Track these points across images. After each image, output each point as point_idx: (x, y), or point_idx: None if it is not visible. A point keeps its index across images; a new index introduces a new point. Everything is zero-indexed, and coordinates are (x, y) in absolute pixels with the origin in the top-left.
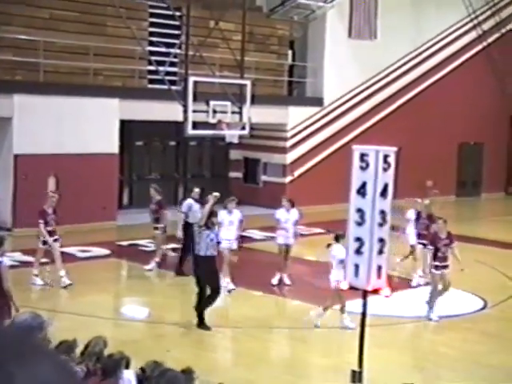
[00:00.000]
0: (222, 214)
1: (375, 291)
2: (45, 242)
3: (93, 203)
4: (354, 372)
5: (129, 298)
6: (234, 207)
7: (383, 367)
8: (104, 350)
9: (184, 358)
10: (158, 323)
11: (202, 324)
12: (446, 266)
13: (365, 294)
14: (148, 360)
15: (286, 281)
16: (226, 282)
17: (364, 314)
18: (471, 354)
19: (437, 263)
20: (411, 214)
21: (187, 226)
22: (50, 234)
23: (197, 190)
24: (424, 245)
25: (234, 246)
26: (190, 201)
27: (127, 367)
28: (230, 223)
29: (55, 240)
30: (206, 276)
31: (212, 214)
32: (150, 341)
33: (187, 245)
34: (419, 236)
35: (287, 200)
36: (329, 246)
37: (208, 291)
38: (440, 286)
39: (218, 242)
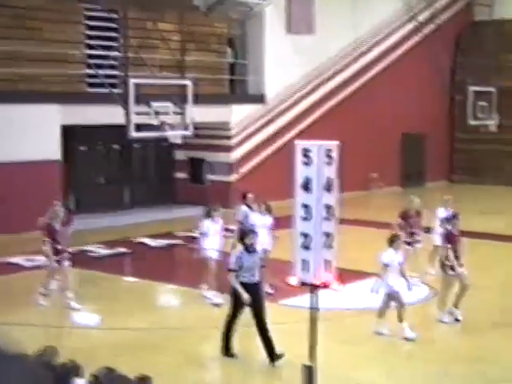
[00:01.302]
0: (207, 224)
1: (324, 285)
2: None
3: (37, 211)
4: (305, 366)
5: (79, 306)
6: (219, 216)
7: (336, 360)
8: (55, 359)
9: (137, 364)
10: (109, 329)
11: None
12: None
13: (314, 288)
14: (100, 367)
15: (268, 290)
16: (211, 294)
17: (314, 308)
18: (421, 341)
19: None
20: (441, 213)
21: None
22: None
23: (250, 195)
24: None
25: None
26: (245, 208)
27: (79, 376)
28: (215, 232)
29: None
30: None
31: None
32: (102, 348)
33: None
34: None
35: (264, 204)
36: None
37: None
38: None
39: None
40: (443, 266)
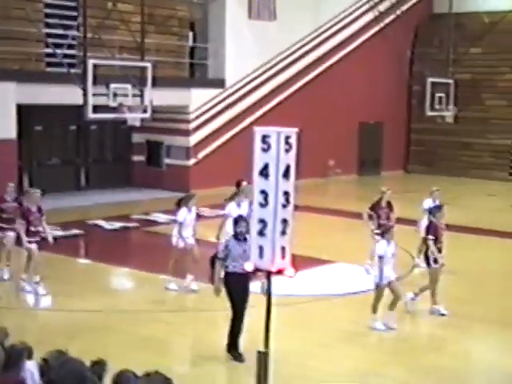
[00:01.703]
0: (183, 212)
1: (279, 272)
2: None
3: None
4: (259, 353)
5: (31, 286)
6: (194, 205)
7: (290, 347)
8: (5, 341)
9: (90, 347)
10: (61, 311)
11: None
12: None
13: (269, 274)
14: (51, 350)
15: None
16: (189, 279)
17: (269, 295)
18: (366, 327)
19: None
20: (427, 204)
21: None
22: (34, 234)
23: (245, 183)
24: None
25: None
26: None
27: (30, 358)
28: (190, 221)
29: (36, 242)
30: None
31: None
32: (54, 330)
33: None
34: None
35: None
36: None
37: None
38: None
39: None
40: (427, 258)
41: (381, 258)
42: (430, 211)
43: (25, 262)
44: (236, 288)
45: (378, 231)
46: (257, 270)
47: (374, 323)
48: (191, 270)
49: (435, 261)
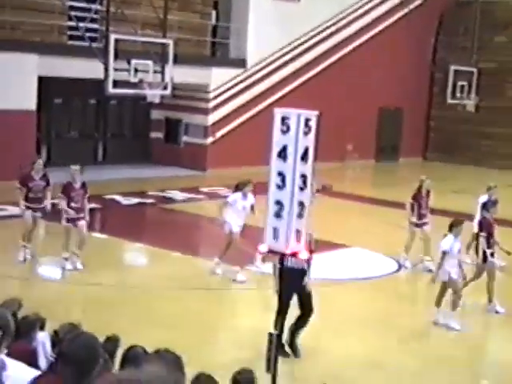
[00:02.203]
0: (236, 197)
1: (293, 254)
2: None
3: (9, 160)
4: (270, 334)
5: (45, 258)
6: (249, 191)
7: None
8: (18, 312)
9: (102, 321)
10: (76, 285)
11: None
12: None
13: (282, 257)
14: (64, 322)
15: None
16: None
17: (282, 276)
18: (384, 314)
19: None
20: (482, 200)
21: None
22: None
23: None
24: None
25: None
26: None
27: (42, 329)
28: (243, 208)
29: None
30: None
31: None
32: (67, 303)
33: None
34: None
35: (251, 185)
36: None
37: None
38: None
39: None
40: (478, 253)
41: (445, 253)
42: (484, 206)
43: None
44: (287, 284)
45: (418, 222)
46: (270, 251)
47: (437, 317)
48: (221, 255)
49: (492, 255)
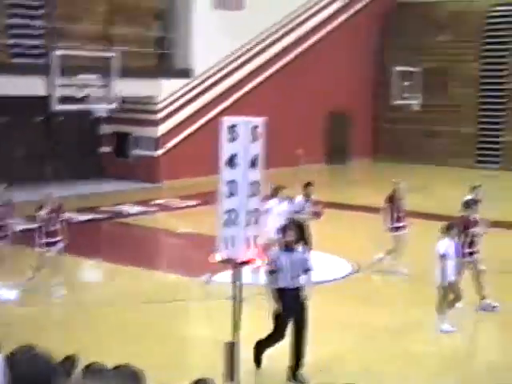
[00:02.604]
0: (272, 203)
1: (247, 262)
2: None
3: None
4: (227, 344)
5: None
6: (283, 197)
7: (258, 336)
8: None
9: (61, 340)
10: (31, 305)
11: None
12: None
13: (237, 264)
14: (20, 344)
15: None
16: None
17: (238, 284)
18: (336, 316)
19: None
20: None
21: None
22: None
23: (312, 187)
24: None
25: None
26: (301, 198)
27: None
28: (280, 214)
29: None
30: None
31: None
32: (23, 324)
33: None
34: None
35: (281, 189)
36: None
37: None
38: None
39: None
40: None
41: (443, 256)
42: (467, 203)
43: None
44: (286, 305)
45: (396, 225)
46: (226, 260)
47: (441, 325)
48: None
49: (471, 254)
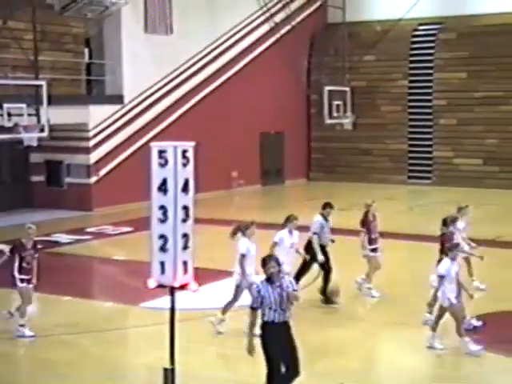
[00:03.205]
0: (283, 235)
1: (182, 287)
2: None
3: None
4: (165, 370)
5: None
6: (294, 227)
7: (199, 361)
8: None
9: None
10: None
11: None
12: None
13: (172, 290)
14: None
15: None
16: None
17: (173, 310)
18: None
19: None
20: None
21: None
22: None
23: (330, 208)
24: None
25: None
26: (321, 219)
27: None
28: (291, 246)
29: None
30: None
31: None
32: None
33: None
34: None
35: (295, 220)
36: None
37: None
38: None
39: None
40: None
41: (442, 277)
42: (444, 221)
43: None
44: (272, 340)
45: (373, 246)
46: (159, 285)
47: (433, 342)
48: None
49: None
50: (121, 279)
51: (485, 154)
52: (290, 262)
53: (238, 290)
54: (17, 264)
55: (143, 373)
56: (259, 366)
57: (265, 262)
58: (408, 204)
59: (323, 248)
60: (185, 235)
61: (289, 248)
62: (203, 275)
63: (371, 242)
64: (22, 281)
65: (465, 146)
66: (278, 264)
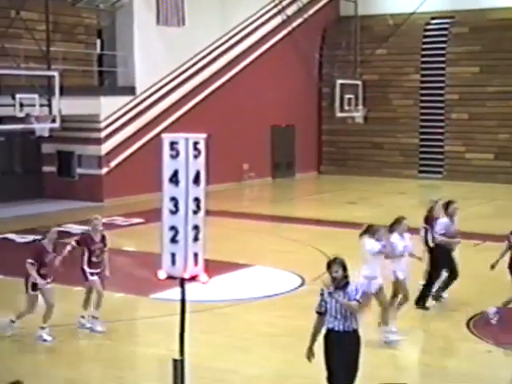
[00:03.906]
0: (394, 239)
1: (193, 278)
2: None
3: None
4: (175, 361)
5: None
6: (405, 230)
7: (209, 352)
8: None
9: (3, 368)
10: None
11: None
12: None
13: (182, 281)
14: None
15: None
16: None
17: (183, 302)
18: (293, 329)
19: None
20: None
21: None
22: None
23: (455, 206)
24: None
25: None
26: (446, 219)
27: None
28: (404, 249)
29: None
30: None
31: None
32: None
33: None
34: None
35: (405, 220)
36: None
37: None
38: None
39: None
40: None
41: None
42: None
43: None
44: (331, 348)
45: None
46: (169, 277)
47: (389, 336)
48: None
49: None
50: (131, 270)
51: (496, 148)
52: (404, 269)
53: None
54: (86, 257)
55: (153, 363)
56: (269, 358)
57: (329, 266)
58: (418, 198)
59: (448, 252)
60: (196, 227)
61: (402, 252)
62: (213, 267)
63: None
64: (92, 274)
65: (476, 141)
66: (345, 269)
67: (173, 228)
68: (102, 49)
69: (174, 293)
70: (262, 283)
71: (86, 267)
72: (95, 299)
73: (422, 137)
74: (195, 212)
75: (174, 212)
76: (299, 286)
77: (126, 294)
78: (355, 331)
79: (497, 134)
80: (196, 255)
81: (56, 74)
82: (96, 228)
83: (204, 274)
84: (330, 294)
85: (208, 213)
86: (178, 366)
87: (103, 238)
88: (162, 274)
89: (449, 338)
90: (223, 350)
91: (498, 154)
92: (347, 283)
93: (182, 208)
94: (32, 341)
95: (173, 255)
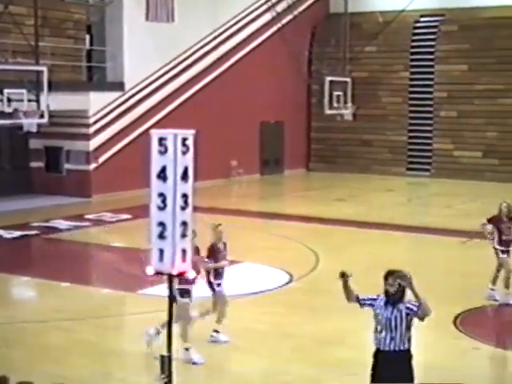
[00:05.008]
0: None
1: (180, 274)
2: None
3: None
4: (162, 357)
5: None
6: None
7: (197, 349)
8: None
9: None
10: None
11: None
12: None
13: (170, 278)
14: None
15: None
16: None
17: (170, 298)
18: (279, 326)
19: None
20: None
21: None
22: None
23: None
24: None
25: None
26: None
27: None
28: None
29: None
30: None
31: None
32: None
33: None
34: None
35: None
36: None
37: None
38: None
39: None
40: None
41: None
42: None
43: None
44: (377, 368)
45: (502, 248)
46: (157, 273)
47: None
48: None
49: None
50: (119, 266)
51: (484, 146)
52: None
53: None
54: (214, 271)
55: (140, 359)
56: (256, 355)
57: (386, 277)
58: (406, 196)
59: None
60: (184, 223)
61: None
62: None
63: (502, 243)
64: (219, 285)
65: (465, 139)
66: (400, 284)
67: (161, 224)
68: (91, 44)
69: (162, 289)
70: (250, 280)
71: (212, 279)
72: (219, 309)
73: (411, 134)
74: (183, 208)
75: (162, 208)
76: (287, 283)
77: (114, 290)
78: (402, 351)
79: (485, 132)
80: (184, 251)
81: (44, 69)
82: (219, 236)
83: (192, 270)
84: (385, 305)
85: (196, 209)
86: (166, 362)
87: (225, 246)
88: (150, 270)
89: (435, 335)
90: (210, 346)
91: (486, 151)
92: (398, 299)
93: (169, 204)
94: (22, 334)
95: (161, 251)
